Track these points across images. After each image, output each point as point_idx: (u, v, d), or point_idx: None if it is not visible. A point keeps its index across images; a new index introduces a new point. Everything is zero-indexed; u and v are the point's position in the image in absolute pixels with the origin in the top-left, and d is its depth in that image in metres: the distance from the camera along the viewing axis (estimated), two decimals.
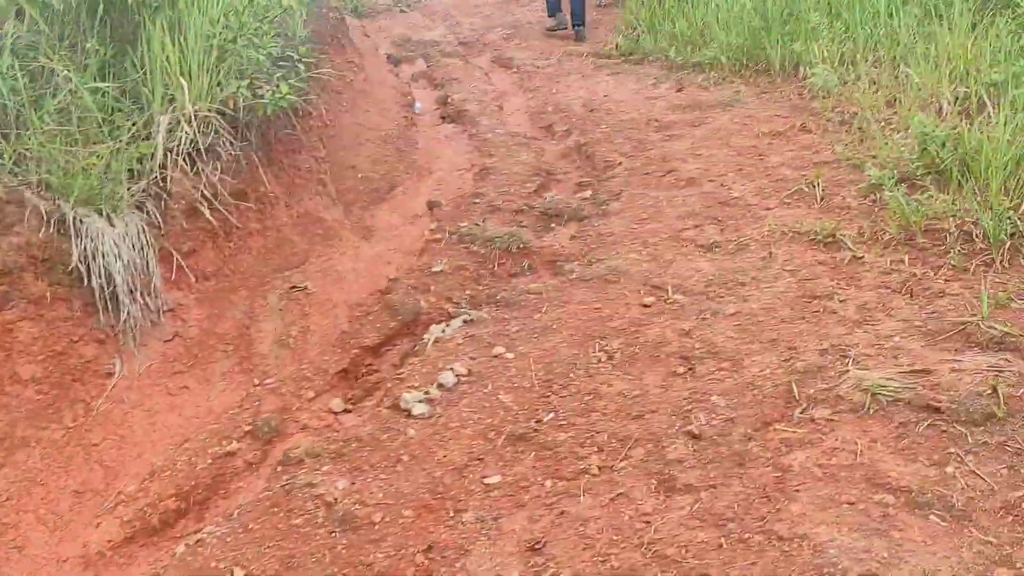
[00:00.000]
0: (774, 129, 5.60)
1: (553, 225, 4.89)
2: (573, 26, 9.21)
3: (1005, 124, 4.00)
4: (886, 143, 4.73)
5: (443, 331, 3.82)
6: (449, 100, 7.34)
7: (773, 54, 7.00)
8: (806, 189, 4.53)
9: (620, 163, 5.48)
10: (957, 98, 5.50)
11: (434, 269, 4.36)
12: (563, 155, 6.10)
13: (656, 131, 6.03)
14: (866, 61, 6.43)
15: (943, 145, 4.24)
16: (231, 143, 4.16)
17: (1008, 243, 3.51)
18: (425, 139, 6.54)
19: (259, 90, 4.42)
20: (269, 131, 4.55)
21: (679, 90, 6.97)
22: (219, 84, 4.20)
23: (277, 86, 4.26)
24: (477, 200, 5.12)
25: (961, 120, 4.99)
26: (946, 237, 3.70)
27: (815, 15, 6.85)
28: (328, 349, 3.81)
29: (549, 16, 9.50)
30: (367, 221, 5.00)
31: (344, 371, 3.68)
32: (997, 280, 3.33)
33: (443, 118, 7.12)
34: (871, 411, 2.65)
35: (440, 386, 3.30)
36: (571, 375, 3.26)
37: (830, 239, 3.94)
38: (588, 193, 5.15)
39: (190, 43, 4.13)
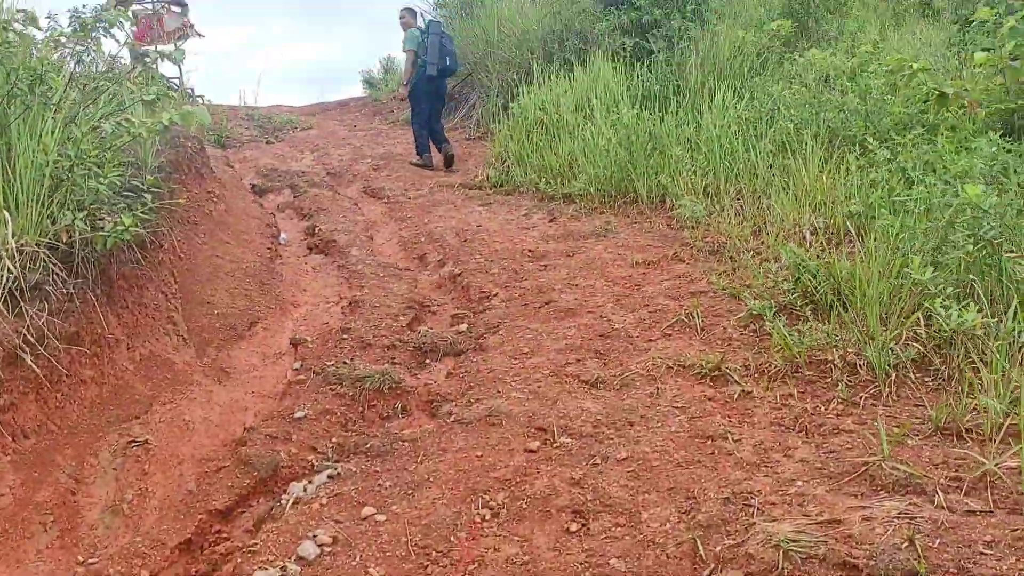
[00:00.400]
0: (648, 259, 5.52)
1: (428, 361, 4.54)
2: (439, 149, 9.40)
3: (874, 257, 3.99)
4: (759, 272, 4.67)
5: (305, 489, 3.34)
6: (317, 230, 7.00)
7: (640, 186, 7.06)
8: (686, 320, 4.37)
9: (496, 294, 5.24)
10: (818, 228, 5.61)
11: (296, 415, 3.90)
12: (438, 286, 5.82)
13: (531, 261, 5.86)
14: (728, 193, 6.56)
15: (815, 275, 4.20)
16: (63, 280, 3.65)
17: (893, 375, 3.40)
18: (291, 271, 6.13)
19: (100, 222, 3.96)
20: (111, 266, 4.05)
21: (551, 220, 6.89)
22: (52, 216, 3.72)
23: (119, 218, 3.81)
24: (346, 336, 4.72)
25: (825, 248, 5.05)
26: (831, 369, 3.57)
27: (678, 149, 6.98)
28: (169, 515, 3.26)
29: (417, 154, 9.44)
30: (223, 362, 4.50)
31: (187, 542, 3.13)
32: (888, 414, 3.19)
33: (310, 249, 6.76)
34: (785, 572, 2.36)
35: (299, 559, 2.81)
36: (452, 539, 2.84)
37: (716, 372, 3.75)
38: (464, 326, 4.85)
39: (19, 171, 3.67)
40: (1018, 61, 6.38)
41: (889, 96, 7.24)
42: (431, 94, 9.46)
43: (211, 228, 5.98)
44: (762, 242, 5.48)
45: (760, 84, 8.60)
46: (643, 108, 8.25)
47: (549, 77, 9.36)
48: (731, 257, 5.34)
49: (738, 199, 6.47)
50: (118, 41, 4.90)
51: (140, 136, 4.38)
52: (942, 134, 6.17)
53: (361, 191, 8.51)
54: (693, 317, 4.34)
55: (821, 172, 6.17)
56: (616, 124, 7.84)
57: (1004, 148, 4.55)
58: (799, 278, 4.23)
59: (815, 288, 4.16)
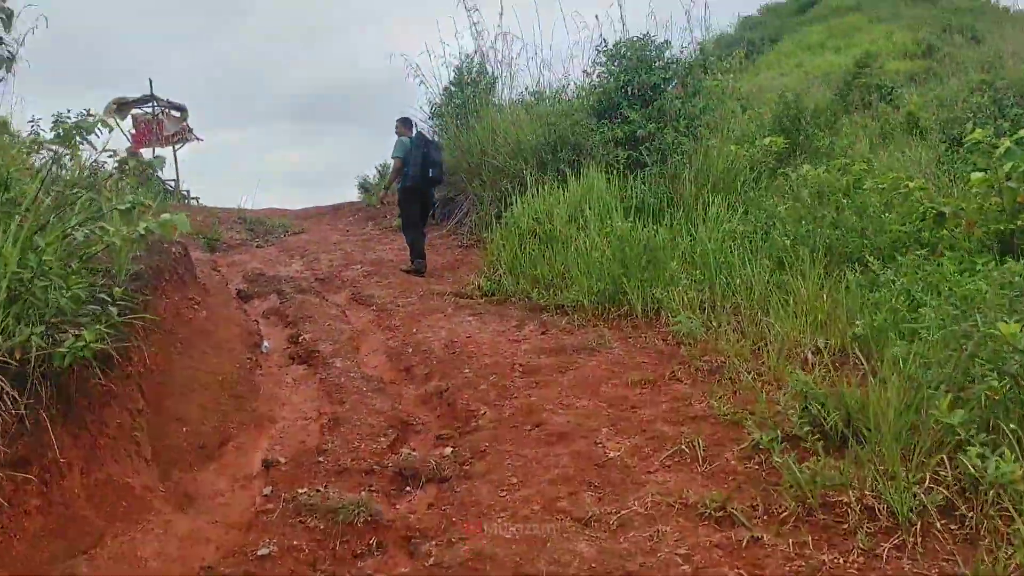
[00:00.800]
0: (644, 377, 5.23)
1: (409, 488, 4.18)
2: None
3: (889, 387, 3.71)
4: (763, 398, 4.38)
5: None
6: (300, 339, 6.71)
7: (635, 298, 6.84)
8: (686, 449, 4.05)
9: (484, 413, 4.91)
10: (820, 348, 5.35)
11: (261, 551, 3.51)
12: (423, 401, 5.49)
13: (522, 376, 5.56)
14: (725, 309, 6.33)
15: (823, 404, 3.91)
16: (14, 400, 3.33)
17: (918, 523, 3.07)
18: (270, 383, 5.81)
19: (62, 335, 3.67)
20: (69, 384, 3.74)
21: (543, 332, 6.62)
22: (7, 331, 3.43)
23: (79, 333, 3.52)
24: (322, 458, 4.38)
25: (831, 372, 4.77)
26: (848, 512, 3.23)
27: (674, 263, 6.79)
28: None
29: (412, 260, 9.29)
30: (187, 486, 4.13)
31: None
32: (916, 570, 2.85)
33: (292, 359, 6.45)
34: None
35: None
36: None
37: (721, 512, 3.41)
38: (449, 449, 4.51)
39: None
40: (1014, 181, 6.29)
41: (885, 213, 7.12)
42: (415, 204, 9.43)
43: (190, 337, 5.69)
44: (763, 362, 5.21)
45: (754, 198, 8.51)
46: (637, 219, 8.11)
47: (543, 187, 9.27)
48: (731, 378, 5.06)
49: (735, 315, 6.24)
50: (94, 147, 4.66)
51: (113, 244, 4.13)
52: (943, 254, 6.00)
53: (350, 298, 8.27)
54: (694, 446, 4.02)
55: (821, 290, 5.97)
56: (610, 235, 7.68)
57: (1018, 273, 4.32)
58: (806, 407, 3.94)
59: (824, 418, 3.86)
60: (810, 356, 5.21)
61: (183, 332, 5.66)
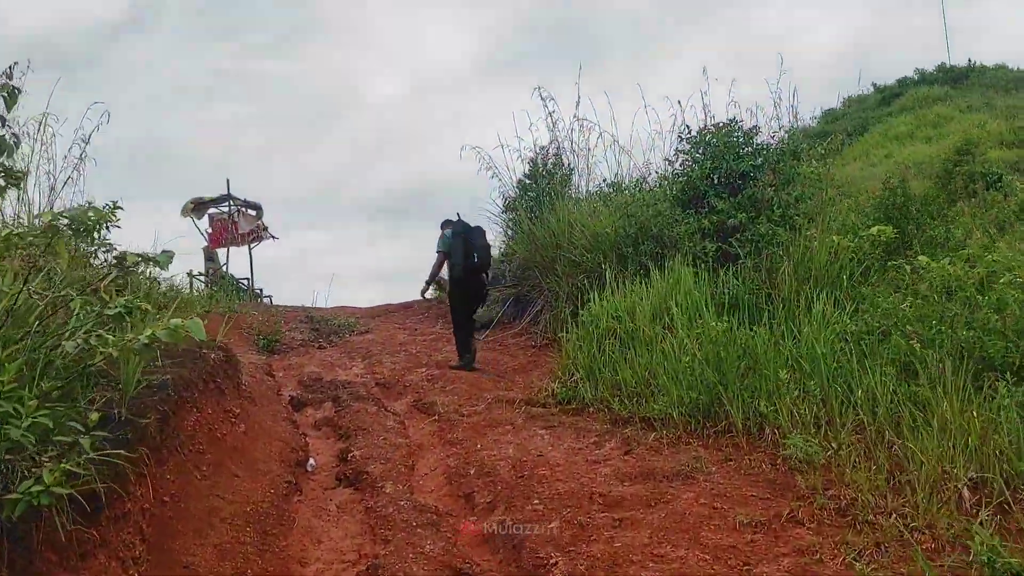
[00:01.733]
0: (755, 517, 4.19)
1: None
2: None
3: None
4: (921, 557, 3.31)
5: None
6: (350, 456, 5.88)
7: (735, 411, 5.82)
8: None
9: (556, 563, 3.94)
10: (976, 483, 4.25)
11: None
12: (483, 541, 4.55)
13: (602, 510, 4.58)
14: (845, 427, 5.26)
15: None
16: None
17: None
18: (309, 513, 4.98)
19: (36, 470, 2.92)
20: (31, 535, 2.96)
21: (627, 452, 5.64)
22: None
23: (40, 476, 2.76)
24: None
25: (1000, 520, 3.68)
26: None
27: (783, 372, 5.76)
28: None
29: (460, 355, 8.81)
30: None
31: None
32: None
33: (339, 480, 5.62)
34: None
35: None
36: None
37: None
38: None
39: None
40: None
41: None
42: (462, 296, 8.93)
43: (219, 458, 4.92)
44: (905, 500, 4.12)
45: (866, 294, 7.44)
46: (731, 318, 7.15)
47: (623, 283, 8.41)
48: (868, 522, 3.99)
49: (858, 434, 5.16)
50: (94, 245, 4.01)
51: (112, 356, 3.42)
52: None
53: (411, 405, 7.45)
54: None
55: (967, 405, 4.86)
56: (701, 337, 6.72)
57: None
58: None
59: None
60: (966, 493, 4.11)
61: (212, 453, 4.90)
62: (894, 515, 4.01)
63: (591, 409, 6.82)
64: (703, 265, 8.41)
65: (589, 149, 11.98)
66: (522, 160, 12.10)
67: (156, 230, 25.62)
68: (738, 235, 8.68)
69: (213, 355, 5.72)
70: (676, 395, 6.24)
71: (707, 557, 3.77)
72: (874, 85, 35.20)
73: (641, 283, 8.32)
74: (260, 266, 18.69)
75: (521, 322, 10.57)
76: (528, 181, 11.95)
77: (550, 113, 11.81)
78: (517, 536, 4.34)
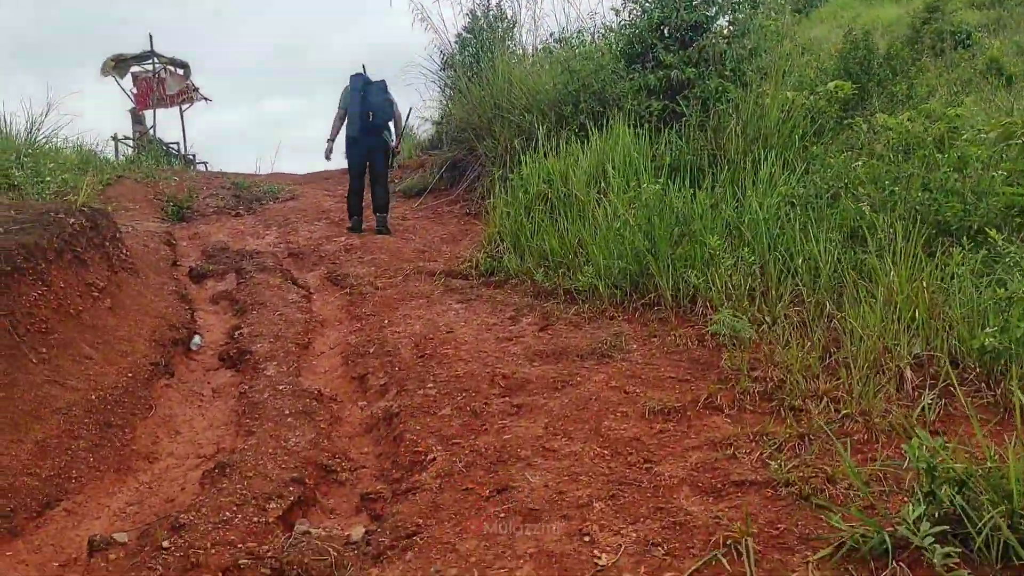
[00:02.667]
0: (668, 403, 3.61)
1: None
2: (374, 212, 8.32)
3: None
4: (849, 461, 2.74)
5: None
6: (239, 333, 5.22)
7: (664, 283, 5.20)
8: (724, 559, 2.44)
9: (434, 458, 3.36)
10: (921, 361, 3.69)
11: None
12: (366, 430, 3.97)
13: (502, 395, 3.99)
14: (782, 299, 4.67)
15: (964, 486, 2.27)
16: None
17: None
18: (176, 400, 4.34)
19: None
20: None
21: (543, 328, 5.03)
22: None
23: None
24: (175, 537, 2.86)
25: (949, 407, 3.15)
26: None
27: (714, 239, 5.11)
28: None
29: (349, 215, 8.26)
30: None
31: None
32: None
33: (222, 360, 4.98)
34: None
35: None
36: None
37: None
38: (361, 529, 2.96)
39: None
40: None
41: (994, 171, 5.36)
42: (358, 152, 8.23)
43: (68, 337, 4.22)
44: (840, 382, 3.57)
45: (817, 155, 6.75)
46: (671, 182, 6.44)
47: (559, 144, 7.62)
48: (795, 407, 3.43)
49: (796, 307, 4.58)
50: None
51: None
52: None
53: (324, 277, 6.76)
54: (738, 550, 2.41)
55: (917, 274, 4.26)
56: (635, 201, 6.03)
57: None
58: (932, 490, 2.30)
59: (969, 514, 2.23)
60: (909, 374, 3.55)
61: (60, 332, 4.19)
62: (825, 400, 3.45)
63: (514, 281, 6.17)
64: (647, 126, 7.63)
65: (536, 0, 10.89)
66: (462, 12, 10.97)
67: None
68: (686, 92, 7.87)
69: (73, 220, 4.93)
70: (603, 265, 5.60)
71: (604, 452, 3.19)
72: None
73: (578, 144, 7.55)
74: (217, 134, 17.50)
75: (457, 189, 9.77)
76: (467, 35, 10.88)
77: None
78: (400, 426, 3.75)
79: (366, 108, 8.05)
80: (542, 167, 7.32)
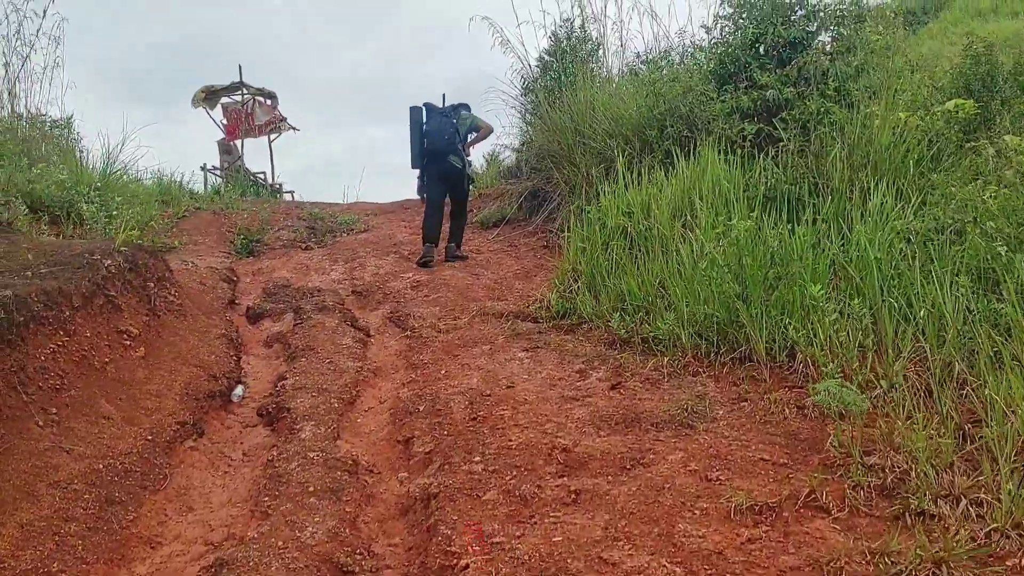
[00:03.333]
0: (759, 496, 2.90)
1: None
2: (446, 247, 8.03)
3: None
4: None
5: None
6: (282, 384, 4.75)
7: (756, 333, 4.47)
8: None
9: (467, 565, 2.74)
10: None
11: None
12: (399, 513, 3.39)
13: (559, 474, 3.35)
14: (900, 357, 3.88)
15: None
16: None
17: None
18: (201, 466, 3.87)
19: None
20: None
21: (615, 386, 4.36)
22: None
23: None
24: None
25: None
26: None
27: (816, 287, 4.34)
28: None
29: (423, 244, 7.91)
30: None
31: None
32: None
33: (260, 416, 4.51)
34: None
35: None
36: None
37: None
38: None
39: None
40: None
41: None
42: (430, 179, 8.00)
43: (88, 394, 3.82)
44: (981, 477, 2.78)
45: (939, 183, 5.87)
46: (767, 214, 5.70)
47: (642, 172, 6.95)
48: (924, 511, 2.68)
49: (918, 368, 3.79)
50: None
51: None
52: None
53: (386, 317, 6.26)
54: None
55: None
56: (724, 237, 5.31)
57: None
58: None
59: None
60: None
61: (79, 388, 3.79)
62: (964, 502, 2.68)
63: (587, 327, 5.53)
64: (739, 151, 6.89)
65: (623, 21, 10.26)
66: (545, 34, 10.42)
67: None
68: (783, 114, 7.09)
69: (109, 261, 4.57)
70: (687, 311, 4.90)
71: (677, 570, 2.51)
72: None
73: (662, 172, 6.87)
74: (313, 164, 17.51)
75: (535, 220, 9.20)
76: (549, 58, 10.34)
77: None
78: (436, 512, 3.16)
79: (426, 136, 7.90)
80: (622, 198, 6.67)
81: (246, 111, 14.99)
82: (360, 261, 7.64)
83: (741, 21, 7.99)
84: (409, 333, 5.81)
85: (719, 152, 6.80)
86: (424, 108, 8.12)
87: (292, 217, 10.14)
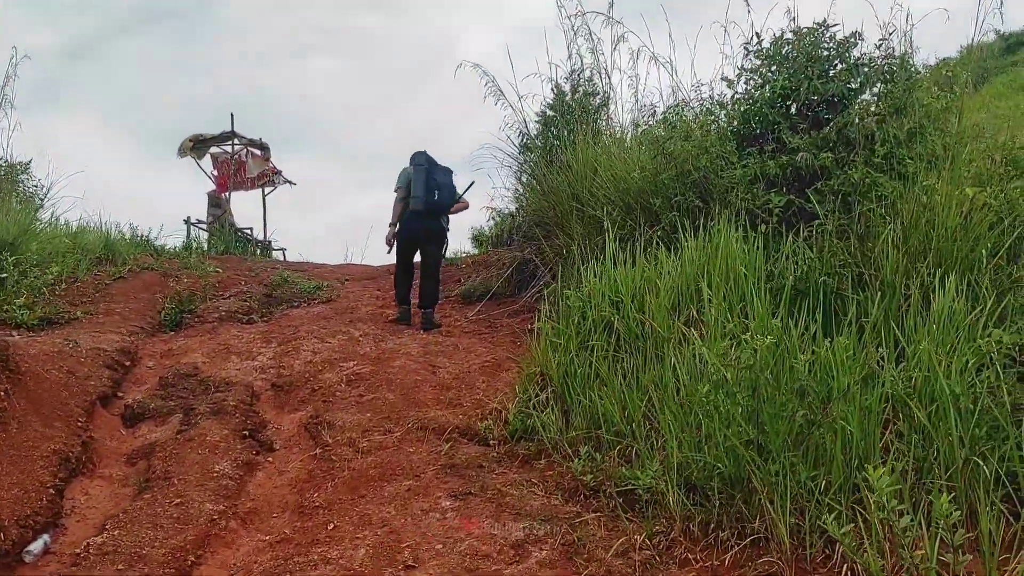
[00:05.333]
0: None
1: None
2: (420, 308, 7.25)
3: None
4: None
5: None
6: (89, 544, 3.27)
7: (776, 513, 2.92)
8: None
9: None
10: None
11: None
12: None
13: None
14: (994, 547, 2.32)
15: None
16: None
17: None
18: None
19: None
20: None
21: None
22: None
23: None
24: None
25: None
26: None
27: (878, 472, 2.76)
28: None
29: (397, 304, 7.37)
30: None
31: None
32: None
33: None
34: None
35: None
36: None
37: None
38: None
39: None
40: None
41: None
42: (411, 235, 7.20)
43: None
44: None
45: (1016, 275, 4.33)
46: (795, 311, 4.20)
47: (639, 249, 5.48)
48: None
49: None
50: None
51: None
52: None
53: (301, 425, 4.79)
54: None
55: None
56: (738, 350, 3.77)
57: None
58: None
59: None
60: None
61: None
62: None
63: (546, 459, 4.01)
64: (763, 228, 5.40)
65: (638, 75, 8.84)
66: (551, 84, 9.01)
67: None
68: (818, 184, 5.62)
69: None
70: (678, 455, 3.37)
71: None
72: (997, 32, 30.16)
73: (666, 250, 5.39)
74: (338, 221, 16.38)
75: (524, 295, 7.72)
76: (552, 113, 8.98)
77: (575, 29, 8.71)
78: None
79: (432, 186, 7.10)
80: (610, 280, 5.19)
81: (238, 162, 13.84)
82: (299, 343, 6.18)
83: (769, 74, 6.59)
84: (319, 452, 4.32)
85: (737, 228, 5.32)
86: (426, 156, 7.34)
87: (255, 281, 8.77)
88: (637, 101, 8.79)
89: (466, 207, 7.71)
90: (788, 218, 5.56)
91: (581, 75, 9.06)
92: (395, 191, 7.27)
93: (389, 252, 7.46)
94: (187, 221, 12.79)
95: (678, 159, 6.46)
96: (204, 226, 13.12)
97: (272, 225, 14.49)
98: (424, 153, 7.30)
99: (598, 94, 9.02)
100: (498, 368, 5.80)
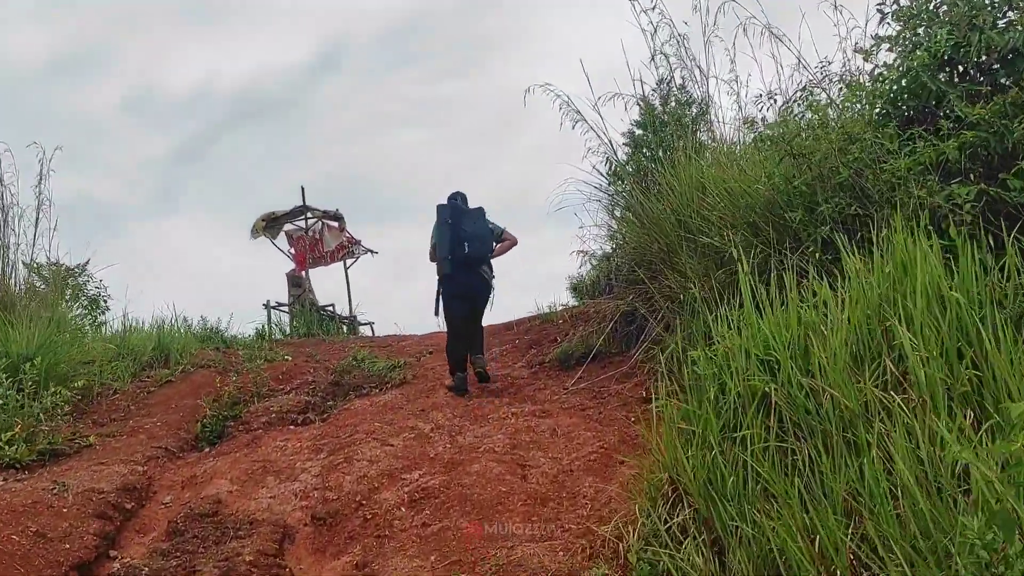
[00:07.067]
0: None
1: None
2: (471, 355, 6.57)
3: None
4: None
5: None
6: None
7: None
8: None
9: None
10: None
11: None
12: None
13: None
14: None
15: None
16: None
17: None
18: None
19: None
20: None
21: None
22: None
23: None
24: None
25: None
26: None
27: None
28: None
29: (452, 374, 6.57)
30: None
31: None
32: None
33: None
34: None
35: None
36: None
37: None
38: None
39: None
40: None
41: None
42: (454, 295, 6.51)
43: None
44: None
45: None
46: None
47: (784, 283, 3.90)
48: None
49: None
50: None
51: None
52: None
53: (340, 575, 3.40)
54: None
55: None
56: (1003, 443, 2.16)
57: None
58: None
59: None
60: None
61: None
62: None
63: None
64: (960, 229, 3.75)
65: (737, 78, 7.26)
66: (638, 99, 7.53)
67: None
68: (1021, 164, 3.95)
69: None
70: None
71: None
72: None
73: (823, 280, 3.80)
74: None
75: (633, 353, 6.18)
76: (641, 132, 7.52)
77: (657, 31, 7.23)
78: None
79: (460, 239, 6.42)
80: (755, 331, 3.63)
81: (313, 237, 12.96)
82: (355, 448, 4.82)
83: (921, 35, 4.98)
84: None
85: (921, 235, 3.69)
86: (450, 206, 6.61)
87: (322, 368, 7.58)
88: (741, 109, 7.21)
89: (513, 243, 6.86)
90: (986, 214, 3.91)
91: (672, 83, 7.59)
92: (431, 247, 6.67)
93: (437, 315, 6.66)
94: (266, 305, 11.92)
95: (814, 158, 4.89)
96: (285, 308, 12.23)
97: (370, 298, 13.62)
98: (448, 205, 6.64)
99: (694, 103, 7.52)
100: (609, 462, 4.30)
